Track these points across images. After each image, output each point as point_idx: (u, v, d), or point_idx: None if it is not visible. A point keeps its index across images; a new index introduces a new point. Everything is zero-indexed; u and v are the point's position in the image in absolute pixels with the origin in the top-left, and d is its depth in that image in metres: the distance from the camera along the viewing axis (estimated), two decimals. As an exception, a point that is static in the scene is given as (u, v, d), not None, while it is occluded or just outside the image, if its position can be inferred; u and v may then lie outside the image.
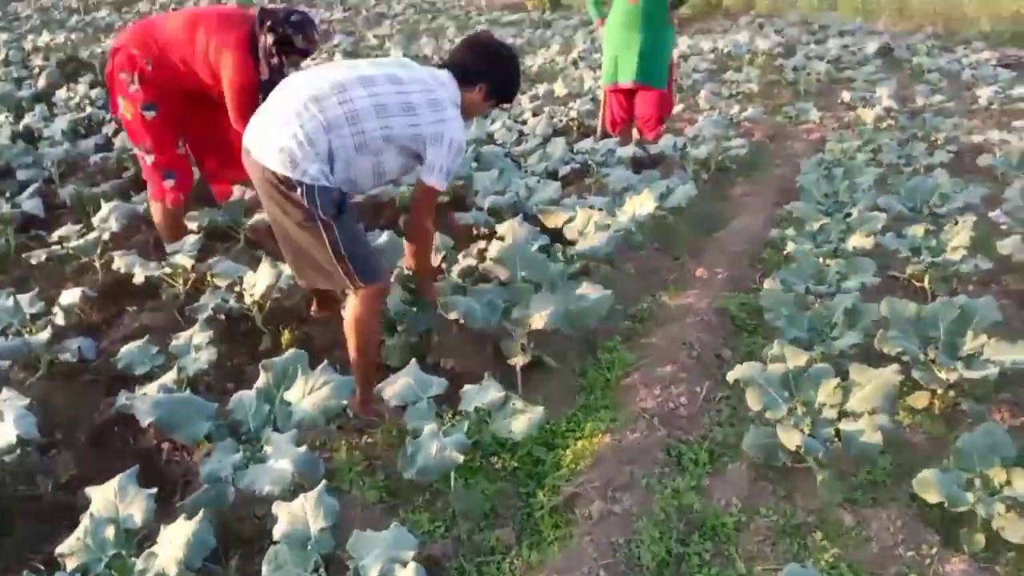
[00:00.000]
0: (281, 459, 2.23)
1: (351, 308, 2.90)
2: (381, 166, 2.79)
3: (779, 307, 3.49)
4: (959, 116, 7.14)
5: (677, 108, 7.07)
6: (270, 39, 3.54)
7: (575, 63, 9.12)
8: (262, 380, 2.58)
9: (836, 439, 2.68)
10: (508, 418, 2.64)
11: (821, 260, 4.02)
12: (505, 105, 3.21)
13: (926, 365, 3.09)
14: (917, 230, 4.30)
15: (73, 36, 10.34)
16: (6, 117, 6.49)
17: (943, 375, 3.01)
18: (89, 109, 6.60)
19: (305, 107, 2.63)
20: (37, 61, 8.57)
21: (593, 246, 3.73)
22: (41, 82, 7.56)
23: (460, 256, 3.90)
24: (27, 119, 6.19)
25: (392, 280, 3.27)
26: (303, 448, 2.30)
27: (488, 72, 2.98)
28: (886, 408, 2.70)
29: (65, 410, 3.06)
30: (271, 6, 3.72)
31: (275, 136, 2.63)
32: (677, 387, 3.21)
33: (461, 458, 2.42)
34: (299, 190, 2.61)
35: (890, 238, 4.25)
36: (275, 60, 3.57)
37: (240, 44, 3.57)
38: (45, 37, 9.95)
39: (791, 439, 2.58)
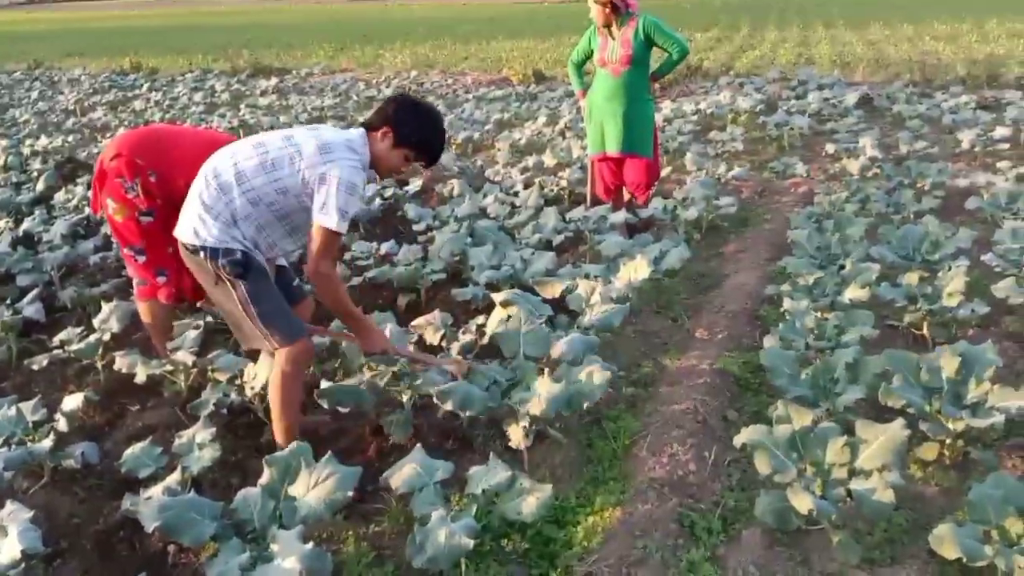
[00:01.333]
0: (288, 558, 2.20)
1: (274, 370, 3.05)
2: (289, 220, 2.95)
3: (780, 365, 3.49)
4: (943, 160, 7.24)
5: (665, 171, 7.19)
6: None
7: (562, 133, 9.29)
8: (266, 476, 2.57)
9: (848, 499, 2.65)
10: (516, 499, 2.61)
11: (819, 314, 4.03)
12: (424, 162, 3.19)
13: (932, 416, 3.08)
14: (911, 278, 4.31)
15: (70, 138, 10.54)
16: (6, 223, 6.58)
17: (950, 425, 3.00)
18: (87, 210, 6.68)
19: (204, 179, 2.91)
20: (36, 165, 8.72)
21: (601, 318, 3.75)
22: (40, 185, 7.68)
23: (460, 333, 3.92)
24: (27, 224, 6.27)
25: (314, 343, 3.27)
26: (310, 545, 2.27)
27: (392, 116, 3.02)
28: (896, 464, 2.67)
29: (70, 517, 3.04)
30: None
31: (186, 213, 2.95)
32: (685, 453, 3.19)
33: (471, 544, 2.38)
34: (202, 253, 2.86)
35: (885, 288, 4.26)
36: None
37: None
38: (43, 141, 10.14)
39: (802, 503, 2.55)
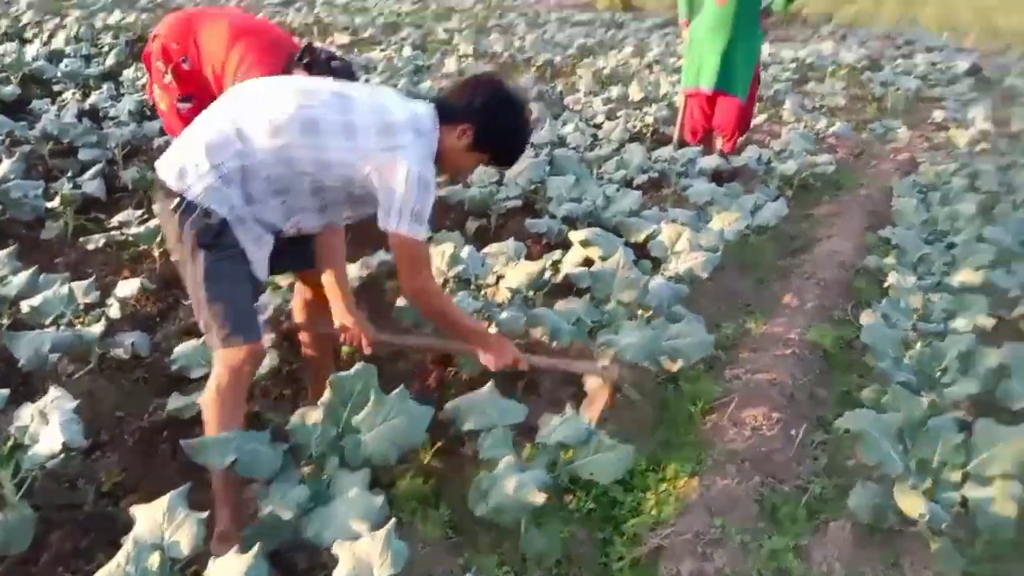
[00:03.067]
0: (351, 512, 1.97)
1: (212, 373, 2.33)
2: (323, 197, 2.27)
3: (884, 346, 3.18)
4: (1061, 143, 6.68)
5: (759, 119, 6.74)
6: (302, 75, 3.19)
7: (650, 67, 8.80)
8: (327, 397, 2.35)
9: (960, 506, 2.38)
10: (592, 456, 2.39)
11: (926, 294, 3.68)
12: (503, 169, 2.60)
13: (1055, 423, 2.76)
14: (1029, 267, 3.94)
15: (144, 15, 10.32)
16: (73, 94, 6.42)
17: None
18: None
19: (222, 110, 2.22)
20: (107, 39, 8.53)
21: (689, 267, 3.45)
22: (110, 60, 7.50)
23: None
24: (94, 97, 6.10)
25: (264, 347, 2.45)
26: (380, 499, 2.02)
27: (476, 110, 2.29)
28: (1018, 472, 2.39)
29: (113, 409, 2.89)
30: (319, 45, 3.39)
31: (180, 145, 2.23)
32: (770, 429, 2.92)
33: (542, 499, 2.16)
34: (175, 202, 2.16)
35: (999, 274, 3.90)
36: None
37: (276, 69, 3.23)
38: (116, 15, 9.94)
39: (913, 505, 2.28)
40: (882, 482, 2.51)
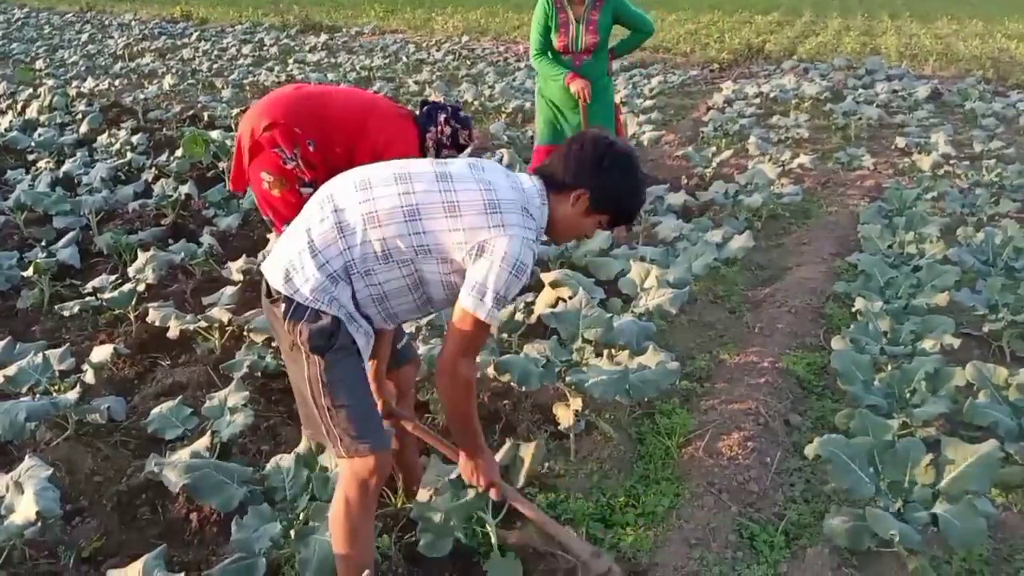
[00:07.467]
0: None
1: (336, 490, 2.22)
2: (423, 290, 2.13)
3: (853, 370, 3.24)
4: (1020, 163, 6.84)
5: (725, 154, 6.86)
6: (448, 130, 3.50)
7: (617, 108, 8.97)
8: (304, 445, 2.37)
9: (932, 524, 2.41)
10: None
11: (893, 317, 3.75)
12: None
13: (1021, 437, 2.82)
14: (993, 285, 4.03)
15: (117, 82, 10.45)
16: (47, 163, 6.48)
17: (1044, 450, 2.73)
18: (130, 155, 6.56)
19: (319, 204, 2.12)
20: (80, 107, 8.62)
21: (658, 304, 3.51)
22: (83, 127, 7.57)
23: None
24: (67, 165, 6.16)
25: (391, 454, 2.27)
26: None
27: (593, 176, 2.15)
28: (985, 488, 2.44)
29: (91, 474, 2.89)
30: (434, 99, 3.63)
31: (284, 245, 2.13)
32: (746, 458, 2.96)
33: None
34: (283, 307, 2.05)
35: (965, 294, 3.98)
36: (445, 152, 3.52)
37: (411, 137, 3.52)
38: (90, 83, 10.05)
39: (884, 526, 2.31)
40: (857, 506, 2.55)
